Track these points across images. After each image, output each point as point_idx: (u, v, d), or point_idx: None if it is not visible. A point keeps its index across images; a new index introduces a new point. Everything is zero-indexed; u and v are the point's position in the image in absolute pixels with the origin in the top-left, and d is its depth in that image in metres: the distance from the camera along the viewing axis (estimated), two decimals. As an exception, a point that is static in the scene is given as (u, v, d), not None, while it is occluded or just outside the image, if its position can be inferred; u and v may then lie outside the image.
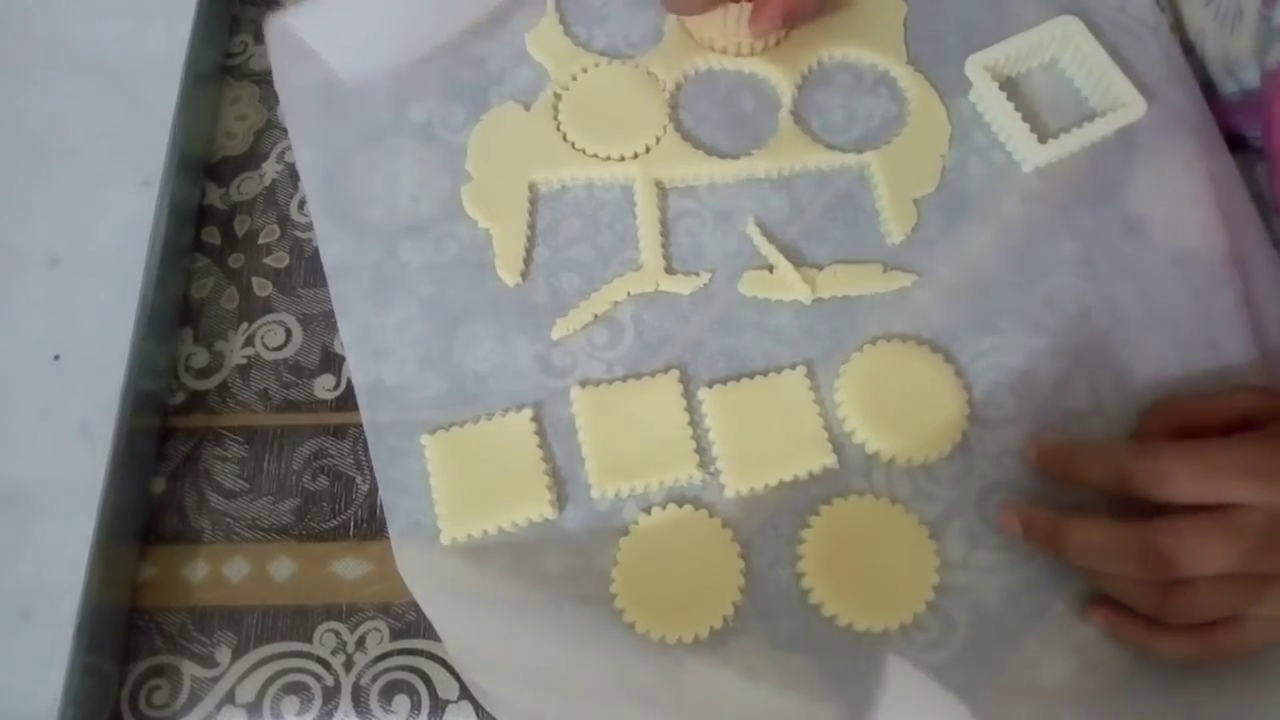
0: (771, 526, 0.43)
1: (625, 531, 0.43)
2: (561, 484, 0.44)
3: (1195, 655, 0.39)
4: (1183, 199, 0.49)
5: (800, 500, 0.44)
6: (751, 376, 0.45)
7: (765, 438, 0.44)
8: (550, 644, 0.41)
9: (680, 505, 0.43)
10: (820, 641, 0.41)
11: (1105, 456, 0.41)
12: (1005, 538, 0.43)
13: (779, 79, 0.52)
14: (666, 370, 0.46)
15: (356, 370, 0.46)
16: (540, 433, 0.45)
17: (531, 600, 0.42)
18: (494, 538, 0.43)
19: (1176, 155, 0.50)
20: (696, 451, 0.44)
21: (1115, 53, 0.50)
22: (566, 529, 0.43)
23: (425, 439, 0.44)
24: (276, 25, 0.52)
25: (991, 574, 0.42)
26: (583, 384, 0.45)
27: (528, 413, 0.45)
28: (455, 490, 0.43)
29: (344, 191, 0.49)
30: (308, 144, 0.51)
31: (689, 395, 0.45)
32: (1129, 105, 0.49)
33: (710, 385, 0.45)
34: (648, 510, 0.43)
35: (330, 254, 0.48)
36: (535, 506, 0.43)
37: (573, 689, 0.41)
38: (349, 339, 0.46)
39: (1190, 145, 0.50)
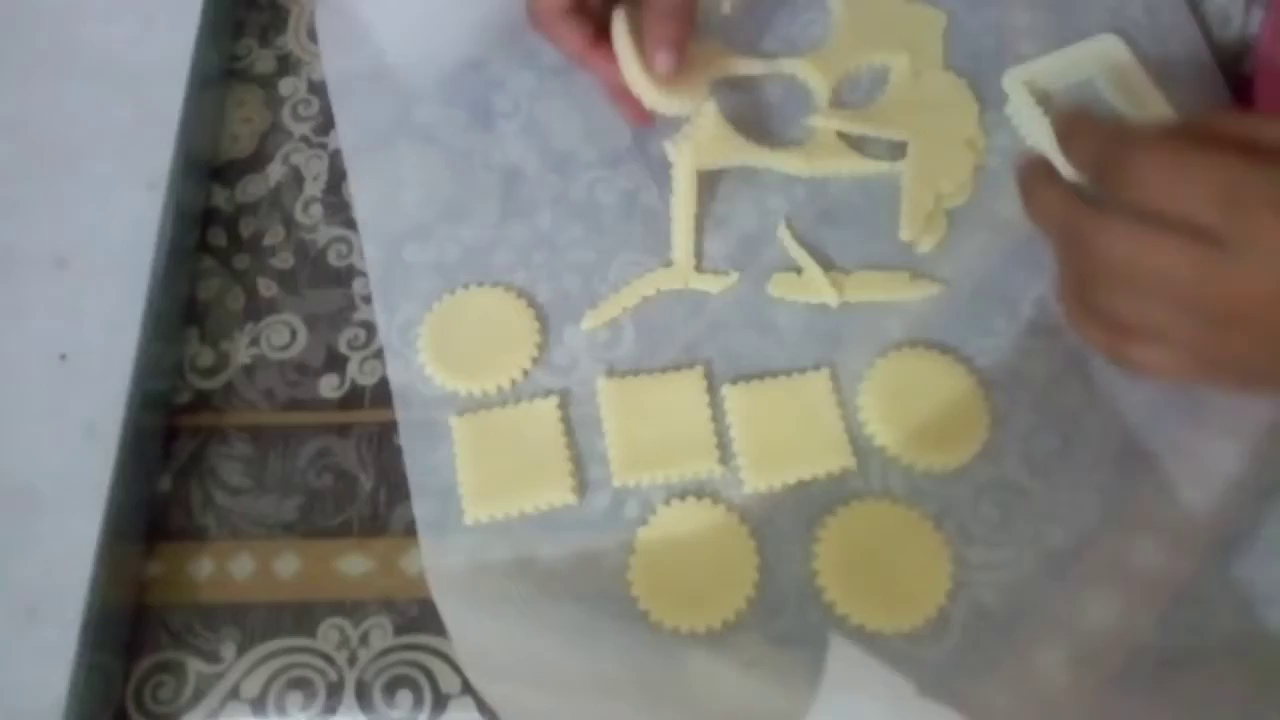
0: (788, 524, 0.43)
1: (643, 521, 0.43)
2: (583, 471, 0.44)
3: (1104, 350, 0.38)
4: None
5: (817, 500, 0.44)
6: (775, 376, 0.46)
7: (786, 436, 0.44)
8: (560, 638, 0.41)
9: (699, 498, 0.44)
10: (829, 641, 0.41)
11: (1096, 138, 0.37)
12: (1005, 537, 0.43)
13: (817, 83, 0.52)
14: (691, 365, 0.46)
15: (392, 363, 0.46)
16: (565, 420, 0.45)
17: (546, 589, 0.42)
18: (515, 520, 0.43)
19: None
20: (717, 446, 0.44)
21: (1154, 71, 0.50)
22: (586, 515, 0.44)
23: (453, 420, 0.45)
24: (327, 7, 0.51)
25: (991, 573, 0.43)
26: (608, 375, 0.46)
27: (554, 400, 0.45)
28: (480, 472, 0.44)
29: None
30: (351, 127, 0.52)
31: (712, 391, 0.46)
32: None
33: (734, 382, 0.46)
34: (667, 501, 0.44)
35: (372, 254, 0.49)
36: (557, 492, 0.43)
37: (579, 686, 0.41)
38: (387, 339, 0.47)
39: None
